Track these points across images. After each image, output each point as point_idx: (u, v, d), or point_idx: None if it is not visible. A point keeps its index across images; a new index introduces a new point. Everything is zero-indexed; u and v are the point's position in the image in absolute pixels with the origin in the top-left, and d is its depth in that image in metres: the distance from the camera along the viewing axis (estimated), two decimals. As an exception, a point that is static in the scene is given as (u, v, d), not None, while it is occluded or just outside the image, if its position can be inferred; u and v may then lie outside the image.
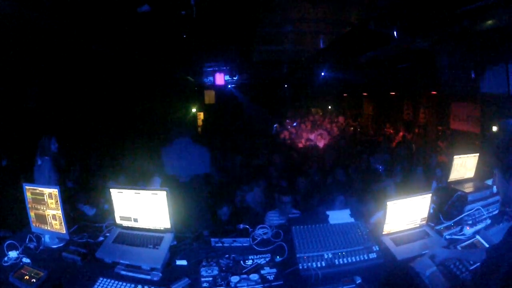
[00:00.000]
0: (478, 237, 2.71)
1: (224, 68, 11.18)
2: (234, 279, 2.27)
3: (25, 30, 4.22)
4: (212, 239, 2.72)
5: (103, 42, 5.49)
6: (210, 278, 2.29)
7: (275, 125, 13.41)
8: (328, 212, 2.85)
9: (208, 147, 5.42)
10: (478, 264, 2.34)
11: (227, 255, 2.53)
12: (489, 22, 4.64)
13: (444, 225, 2.89)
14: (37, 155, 4.44)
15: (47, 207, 2.74)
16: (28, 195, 2.81)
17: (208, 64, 10.95)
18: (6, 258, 2.58)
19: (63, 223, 2.71)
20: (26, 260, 2.57)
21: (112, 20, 4.49)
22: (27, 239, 2.79)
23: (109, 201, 2.76)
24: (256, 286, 2.22)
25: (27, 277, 2.36)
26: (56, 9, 3.82)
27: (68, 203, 4.22)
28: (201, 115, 15.55)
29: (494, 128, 6.95)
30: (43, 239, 2.82)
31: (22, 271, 2.43)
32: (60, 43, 5.09)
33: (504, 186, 1.86)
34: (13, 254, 2.60)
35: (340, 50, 8.50)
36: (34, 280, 2.32)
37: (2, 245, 2.68)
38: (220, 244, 2.70)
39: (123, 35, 5.47)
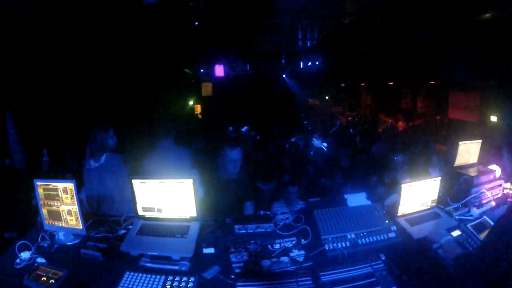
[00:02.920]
0: (485, 217, 3.06)
1: (225, 59, 11.34)
2: (266, 263, 2.49)
3: (27, 26, 4.31)
4: (236, 226, 2.96)
5: (105, 35, 5.61)
6: (241, 264, 2.49)
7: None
8: (346, 196, 3.18)
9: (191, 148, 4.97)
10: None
11: (253, 241, 2.76)
12: (488, 15, 5.06)
13: (453, 206, 3.26)
14: (87, 155, 3.90)
15: (61, 202, 2.80)
16: (40, 191, 2.85)
17: (209, 55, 11.10)
18: (18, 260, 2.59)
19: (79, 218, 2.78)
20: (40, 260, 2.59)
21: (116, 11, 4.61)
22: (40, 238, 2.82)
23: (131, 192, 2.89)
24: (288, 268, 2.45)
25: (44, 278, 2.37)
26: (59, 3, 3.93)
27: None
28: (198, 108, 15.67)
29: (493, 118, 7.45)
30: (56, 236, 2.86)
31: (37, 272, 2.44)
32: (62, 38, 5.18)
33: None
34: (25, 255, 2.61)
35: (339, 40, 8.85)
36: (53, 281, 2.34)
37: (13, 247, 2.69)
38: (244, 231, 2.94)
39: (126, 27, 5.59)
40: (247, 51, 10.72)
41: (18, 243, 2.71)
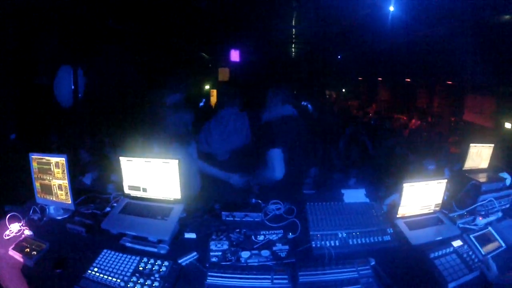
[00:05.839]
0: (490, 228, 2.69)
1: (241, 44, 10.91)
2: (245, 254, 2.22)
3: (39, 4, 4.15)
4: (223, 213, 2.68)
5: (118, 16, 5.42)
6: (220, 253, 2.23)
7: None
8: (343, 191, 2.84)
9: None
10: (490, 255, 2.37)
11: (238, 230, 2.48)
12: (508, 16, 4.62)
13: (457, 213, 2.86)
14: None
15: (53, 176, 2.69)
16: (34, 165, 2.76)
17: (224, 40, 10.72)
18: (7, 231, 2.52)
19: (69, 193, 2.67)
20: (28, 232, 2.51)
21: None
22: (31, 211, 2.74)
23: (117, 170, 2.70)
24: (267, 263, 2.16)
25: (27, 249, 2.30)
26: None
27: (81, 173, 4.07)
28: (214, 93, 15.36)
29: (508, 125, 6.93)
30: (47, 210, 2.77)
31: (23, 243, 2.37)
32: (75, 18, 5.03)
33: None
34: (15, 226, 2.55)
35: (358, 34, 8.43)
36: (35, 253, 2.27)
37: (4, 218, 2.60)
38: (231, 218, 2.65)
39: (139, 9, 5.37)
40: (263, 37, 10.34)
41: (9, 215, 2.62)
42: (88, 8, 4.83)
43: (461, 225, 2.72)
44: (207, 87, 14.78)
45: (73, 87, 5.80)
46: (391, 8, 5.10)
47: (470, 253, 2.40)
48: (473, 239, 2.52)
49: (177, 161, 2.49)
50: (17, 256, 2.28)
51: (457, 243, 2.46)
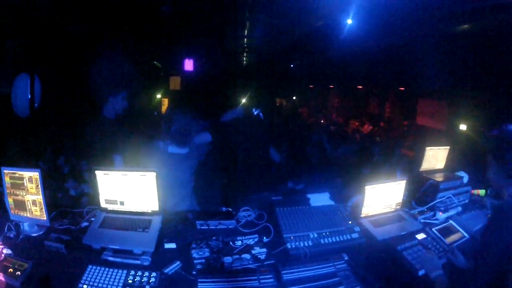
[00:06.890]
0: (451, 221, 3.00)
1: (193, 53, 10.88)
2: (227, 259, 2.35)
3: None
4: (197, 222, 2.80)
5: (79, 23, 5.37)
6: (203, 260, 2.35)
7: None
8: (309, 195, 3.03)
9: None
10: (455, 244, 2.67)
11: (215, 237, 2.60)
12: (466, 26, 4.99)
13: (418, 210, 3.16)
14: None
15: (26, 192, 2.64)
16: (7, 179, 2.68)
17: (176, 49, 10.70)
18: None
19: (43, 209, 2.63)
20: (7, 251, 2.43)
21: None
22: (6, 228, 2.67)
23: (93, 183, 2.73)
24: (250, 266, 2.31)
25: (11, 269, 2.23)
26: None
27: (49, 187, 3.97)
28: (165, 102, 15.15)
29: (463, 127, 7.39)
30: (22, 227, 2.71)
31: (5, 263, 2.30)
32: (34, 24, 4.95)
33: (497, 179, 2.09)
34: None
35: (311, 44, 8.64)
36: (19, 273, 2.21)
37: None
38: (206, 227, 2.78)
39: (93, 14, 5.32)
40: (216, 46, 10.45)
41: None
42: (45, 13, 4.76)
43: (422, 220, 3.01)
44: (158, 96, 14.54)
45: (29, 96, 5.66)
46: (349, 21, 5.38)
47: (435, 243, 2.66)
48: (435, 231, 2.81)
49: (154, 173, 2.58)
50: (1, 277, 2.23)
51: (420, 236, 2.73)
